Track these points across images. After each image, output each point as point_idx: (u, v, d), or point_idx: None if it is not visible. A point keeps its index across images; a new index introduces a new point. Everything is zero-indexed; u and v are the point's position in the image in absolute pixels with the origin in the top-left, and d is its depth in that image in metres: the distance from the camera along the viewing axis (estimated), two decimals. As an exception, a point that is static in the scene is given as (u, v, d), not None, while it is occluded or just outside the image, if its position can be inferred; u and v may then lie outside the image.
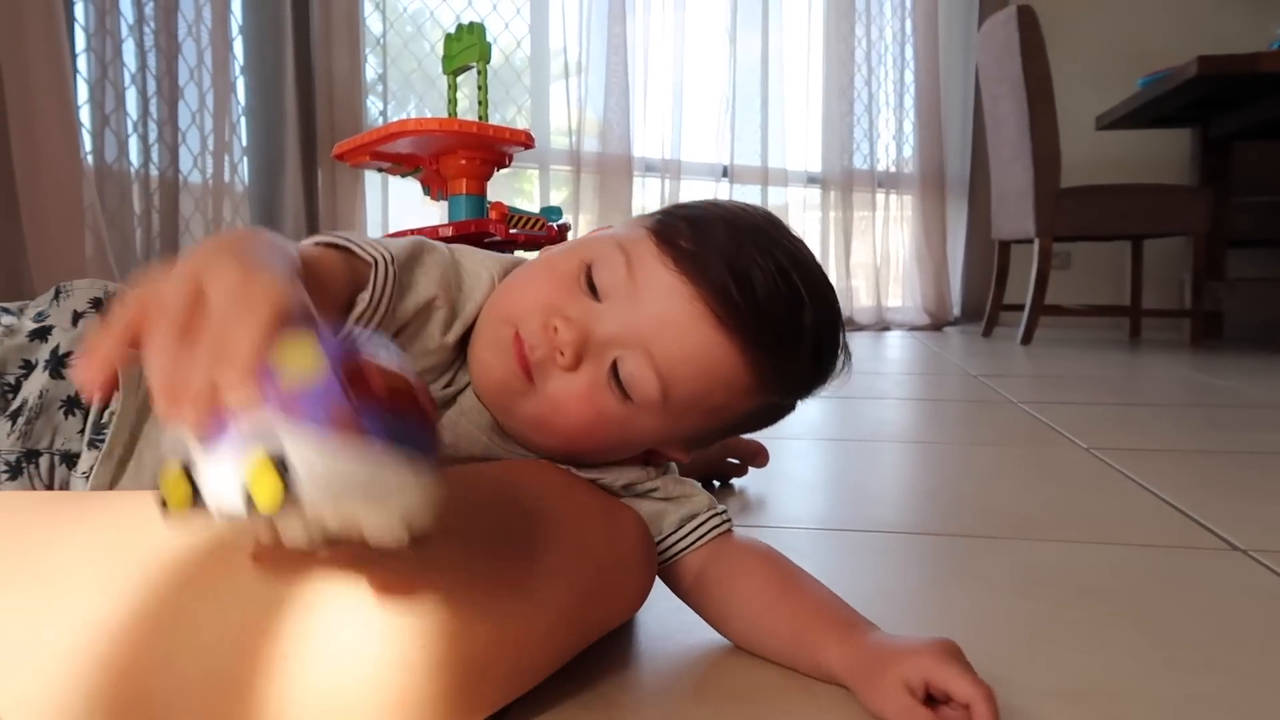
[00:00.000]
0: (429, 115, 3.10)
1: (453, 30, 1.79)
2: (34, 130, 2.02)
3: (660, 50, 3.42)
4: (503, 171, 1.83)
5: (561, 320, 0.49)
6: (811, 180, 3.76)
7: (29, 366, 0.60)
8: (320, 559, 0.38)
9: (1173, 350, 2.77)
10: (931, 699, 0.44)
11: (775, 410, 0.57)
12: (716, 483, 0.98)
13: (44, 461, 0.57)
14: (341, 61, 2.85)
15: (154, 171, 2.43)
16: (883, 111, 3.80)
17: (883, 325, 3.77)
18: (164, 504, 0.30)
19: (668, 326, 0.49)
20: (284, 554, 0.38)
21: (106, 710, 0.34)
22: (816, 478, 1.05)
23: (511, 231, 1.63)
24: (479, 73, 1.71)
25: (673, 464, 0.60)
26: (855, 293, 3.78)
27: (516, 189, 3.39)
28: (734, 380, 0.50)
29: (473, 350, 0.54)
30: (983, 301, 3.43)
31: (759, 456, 0.99)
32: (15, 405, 0.57)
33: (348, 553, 0.38)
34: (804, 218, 3.78)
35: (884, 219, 3.83)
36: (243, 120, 2.67)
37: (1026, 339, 2.94)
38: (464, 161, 1.64)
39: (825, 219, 3.74)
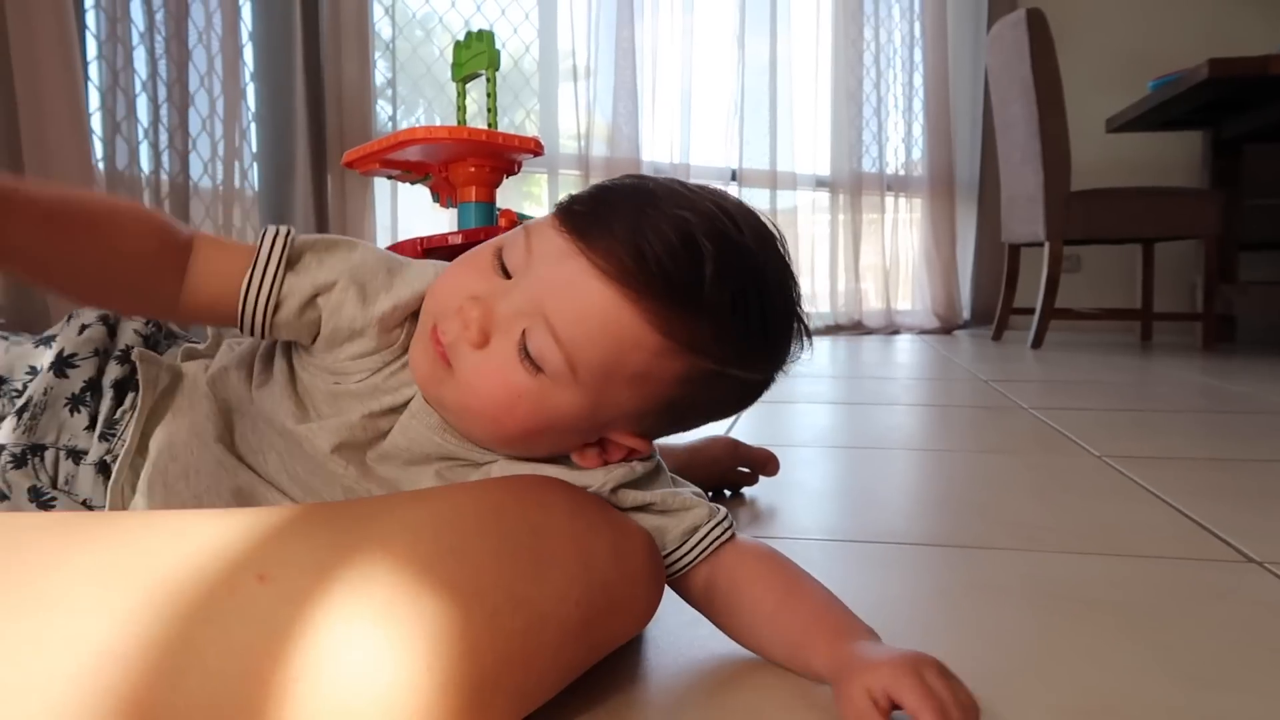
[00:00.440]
0: (438, 120, 3.11)
1: (461, 37, 1.79)
2: (46, 137, 2.03)
3: (669, 54, 3.42)
4: (511, 177, 1.83)
5: (469, 300, 0.50)
6: (820, 183, 3.75)
7: (34, 372, 0.61)
8: (328, 579, 0.38)
9: (1184, 354, 2.76)
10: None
11: (725, 383, 0.53)
12: (728, 491, 0.98)
13: (49, 455, 0.58)
14: (351, 67, 2.86)
15: (165, 177, 2.45)
16: (891, 115, 3.79)
17: (892, 329, 3.76)
18: None
19: (558, 288, 0.49)
20: (290, 575, 0.38)
21: None
22: (826, 486, 1.05)
23: (520, 238, 1.63)
24: (488, 80, 1.71)
25: (666, 474, 0.59)
26: (864, 296, 3.78)
27: (525, 193, 3.39)
28: (640, 339, 0.48)
29: (411, 347, 0.56)
30: (992, 305, 3.42)
31: (769, 464, 0.99)
32: (21, 402, 0.58)
33: (354, 573, 0.39)
34: (813, 221, 3.78)
35: (893, 222, 3.82)
36: (253, 126, 2.68)
37: (1037, 343, 2.93)
38: (473, 169, 1.64)
39: (834, 222, 3.74)
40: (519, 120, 3.25)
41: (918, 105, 3.81)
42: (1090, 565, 0.73)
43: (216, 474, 0.57)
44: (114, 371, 0.61)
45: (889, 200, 3.80)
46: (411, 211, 3.01)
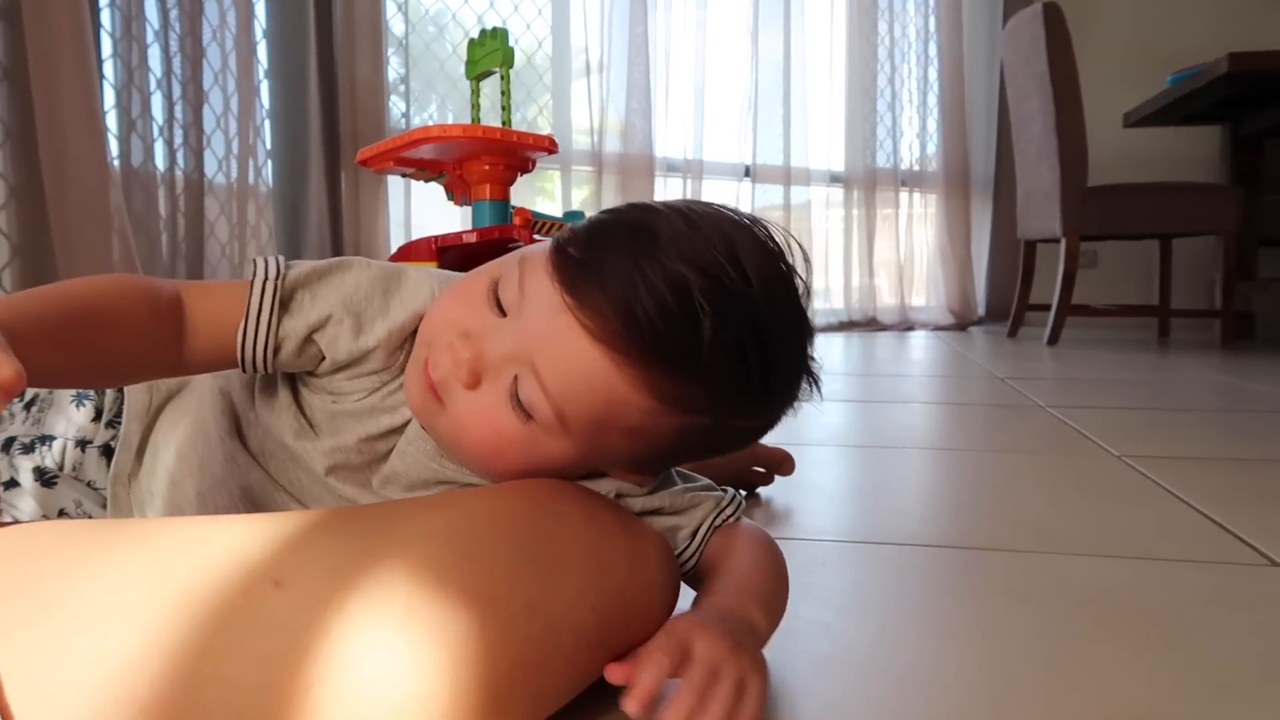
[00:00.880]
0: (451, 117, 3.11)
1: (475, 33, 1.79)
2: (62, 135, 2.04)
3: (682, 49, 3.41)
4: (525, 174, 1.83)
5: (459, 338, 0.48)
6: (834, 179, 3.74)
7: None
8: (345, 586, 0.38)
9: (1203, 351, 2.73)
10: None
11: (724, 431, 0.52)
12: (743, 491, 0.97)
13: (57, 445, 0.58)
14: (364, 64, 2.86)
15: (179, 174, 2.45)
16: (906, 109, 3.77)
17: (906, 325, 3.75)
18: None
19: (547, 342, 0.46)
20: (306, 582, 0.38)
21: None
22: (842, 487, 1.04)
23: (536, 237, 1.62)
24: (502, 78, 1.71)
25: (671, 474, 0.59)
26: (879, 292, 3.76)
27: (538, 188, 3.39)
28: (630, 399, 0.46)
29: (405, 375, 0.54)
30: (1008, 301, 3.40)
31: (785, 464, 0.98)
32: (29, 397, 0.59)
33: (370, 580, 0.38)
34: (827, 216, 3.77)
35: (907, 218, 3.81)
36: (267, 123, 2.69)
37: (1053, 340, 2.91)
38: (487, 167, 1.64)
39: (848, 218, 3.72)
40: (532, 116, 3.25)
41: (932, 100, 3.78)
42: (1111, 569, 0.73)
43: (227, 470, 0.57)
44: None
45: (903, 196, 3.78)
46: (426, 209, 3.01)
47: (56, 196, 2.02)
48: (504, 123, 1.69)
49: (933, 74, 3.77)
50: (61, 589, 0.36)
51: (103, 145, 2.13)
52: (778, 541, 0.61)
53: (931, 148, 3.81)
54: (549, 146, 1.62)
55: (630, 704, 0.43)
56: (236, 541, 0.39)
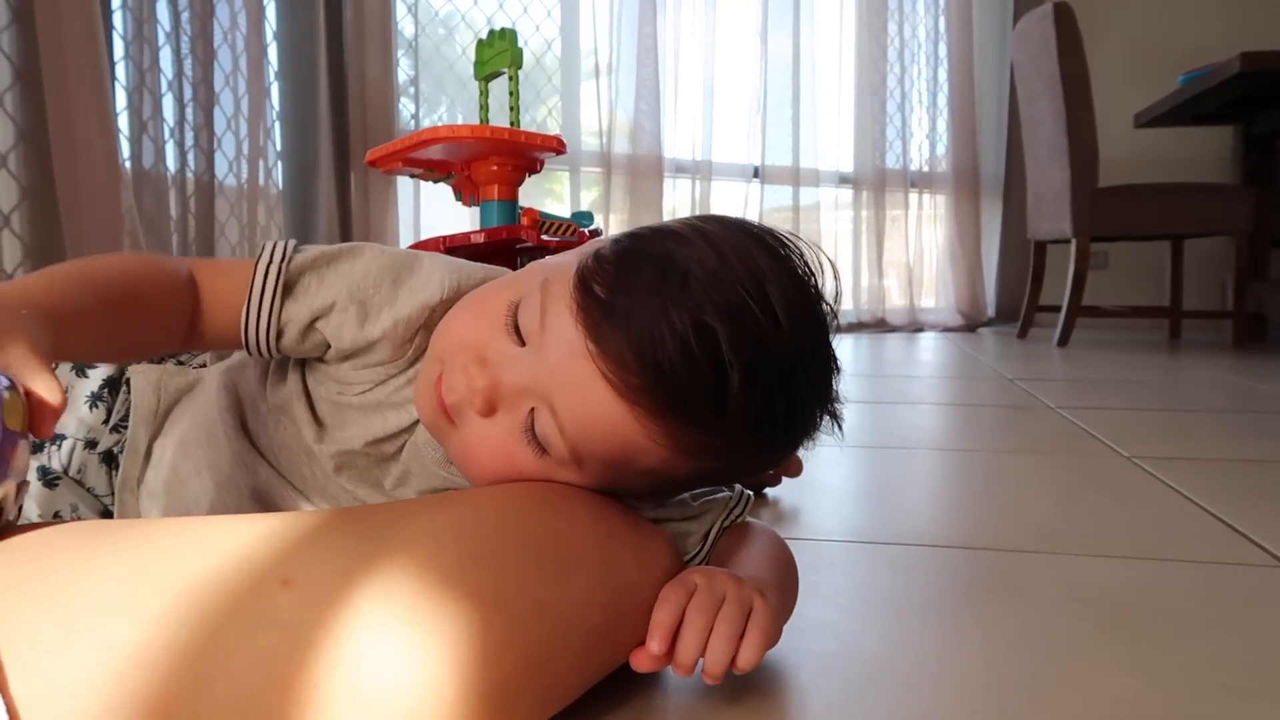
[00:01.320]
0: (460, 118, 3.12)
1: (484, 34, 1.79)
2: (73, 136, 2.05)
3: (691, 50, 3.41)
4: (533, 175, 1.83)
5: (476, 365, 0.47)
6: (844, 180, 3.73)
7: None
8: (351, 585, 0.38)
9: (1214, 353, 2.72)
10: None
11: (742, 468, 0.52)
12: (750, 492, 0.97)
13: (67, 445, 0.59)
14: (374, 65, 2.87)
15: (190, 176, 2.47)
16: (915, 110, 3.76)
17: (916, 326, 3.74)
18: None
19: (566, 386, 0.45)
20: (313, 581, 0.38)
21: None
22: (850, 487, 1.04)
23: (544, 237, 1.63)
24: (510, 78, 1.71)
25: None
26: (888, 293, 3.75)
27: (547, 190, 3.39)
28: (648, 448, 0.46)
29: (416, 379, 0.53)
30: (1018, 302, 3.38)
31: (792, 465, 0.98)
32: None
33: (377, 579, 0.38)
34: (836, 217, 3.76)
35: (917, 219, 3.80)
36: (277, 125, 2.70)
37: (1063, 341, 2.89)
38: (495, 167, 1.64)
39: (857, 219, 3.71)
40: (541, 117, 3.25)
41: (942, 101, 3.77)
42: (1120, 569, 0.72)
43: (234, 469, 0.57)
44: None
45: (913, 197, 3.78)
46: (434, 210, 3.02)
47: (69, 198, 2.03)
48: (512, 123, 1.70)
49: (942, 75, 3.76)
50: (69, 585, 0.36)
51: (114, 147, 2.15)
52: (786, 541, 0.61)
53: (941, 148, 3.81)
54: (557, 147, 1.62)
55: (652, 644, 0.44)
56: (244, 540, 0.40)
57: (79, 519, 0.57)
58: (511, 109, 1.73)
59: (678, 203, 3.43)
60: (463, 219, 2.76)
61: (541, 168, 1.74)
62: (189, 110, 2.45)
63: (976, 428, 1.46)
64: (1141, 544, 0.79)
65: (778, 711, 0.48)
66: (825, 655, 0.56)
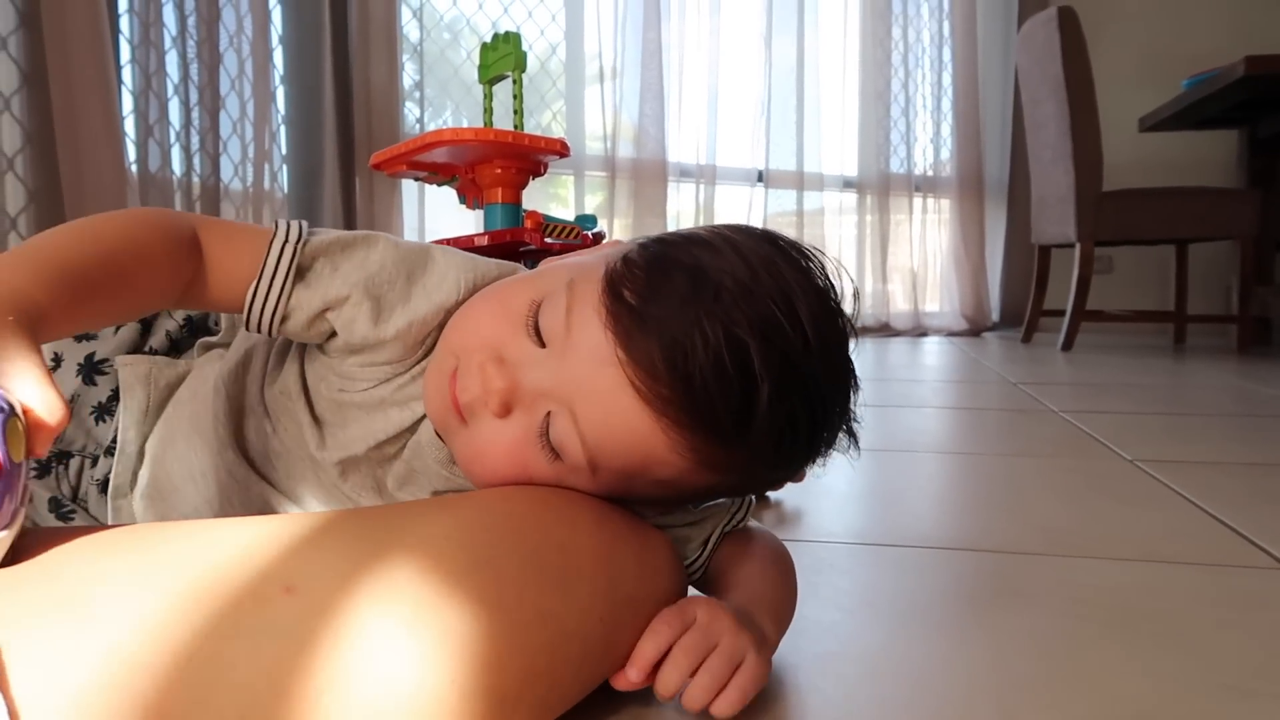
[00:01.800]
0: (465, 122, 3.12)
1: (489, 39, 1.80)
2: (79, 140, 2.06)
3: (695, 55, 3.41)
4: (537, 178, 1.83)
5: (494, 364, 0.46)
6: (848, 184, 3.73)
7: (57, 360, 0.60)
8: (354, 592, 0.38)
9: (1219, 357, 2.71)
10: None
11: (756, 484, 0.52)
12: (753, 496, 0.97)
13: (74, 463, 0.58)
14: (379, 69, 2.88)
15: (196, 179, 2.48)
16: (920, 115, 3.76)
17: (920, 330, 3.73)
18: None
19: (592, 392, 0.44)
20: (316, 587, 0.38)
21: None
22: (853, 490, 1.04)
23: (547, 240, 1.63)
24: (514, 82, 1.71)
25: None
26: (892, 297, 3.75)
27: (551, 194, 3.40)
28: (669, 460, 0.45)
29: (425, 373, 0.52)
30: (1022, 307, 3.38)
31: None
32: None
33: (380, 586, 0.38)
34: (840, 222, 3.76)
35: (921, 223, 3.79)
36: (282, 129, 2.71)
37: (1067, 345, 2.89)
38: (499, 170, 1.64)
39: (862, 223, 3.71)
40: (545, 122, 3.26)
41: (946, 105, 3.77)
42: (1122, 571, 0.72)
43: (227, 484, 0.55)
44: None
45: (917, 201, 3.77)
46: (439, 213, 3.03)
47: (75, 201, 2.04)
48: (516, 126, 1.70)
49: (947, 79, 3.76)
50: (72, 589, 0.36)
51: (120, 150, 2.16)
52: (787, 543, 0.61)
53: (945, 153, 3.80)
54: (560, 150, 1.62)
55: (630, 671, 0.44)
56: (247, 545, 0.39)
57: None
58: (515, 112, 1.73)
59: (682, 207, 3.43)
60: (467, 222, 2.76)
61: (545, 171, 1.74)
62: (195, 114, 2.46)
63: (980, 431, 1.46)
64: (1145, 547, 0.79)
65: (778, 712, 0.48)
66: (827, 656, 0.56)
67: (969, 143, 3.72)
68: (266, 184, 2.61)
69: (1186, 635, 0.59)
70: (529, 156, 1.65)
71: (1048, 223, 3.02)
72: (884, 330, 3.70)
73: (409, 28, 3.02)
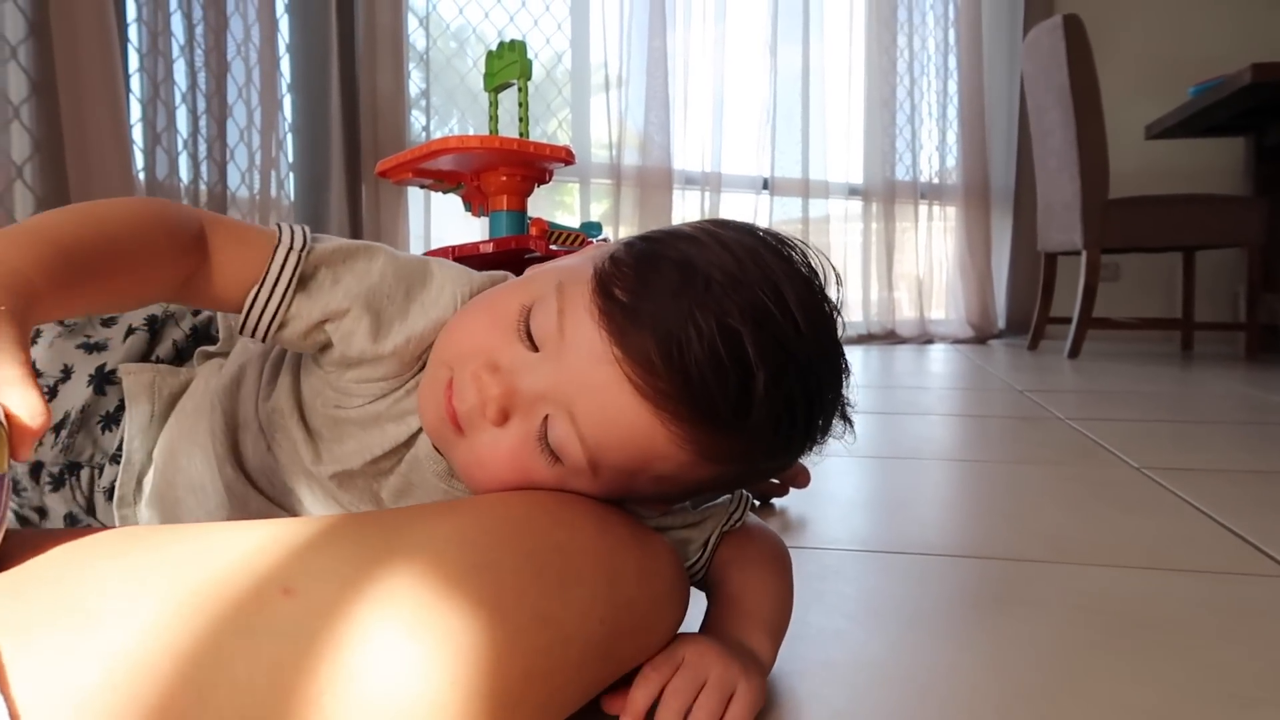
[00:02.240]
0: (471, 130, 3.13)
1: (494, 47, 1.80)
2: (88, 148, 2.08)
3: (700, 63, 3.42)
4: (543, 186, 1.84)
5: (489, 372, 0.46)
6: (853, 192, 3.73)
7: (67, 372, 0.60)
8: (353, 595, 0.38)
9: (1226, 364, 2.70)
10: None
11: (756, 474, 0.52)
12: (757, 502, 0.97)
13: (84, 474, 0.58)
14: (385, 78, 2.89)
15: (203, 187, 2.49)
16: (925, 122, 3.76)
17: (926, 338, 3.73)
18: None
19: (590, 392, 0.45)
20: (315, 589, 0.38)
21: None
22: (858, 497, 1.04)
23: (552, 247, 1.63)
24: (520, 89, 1.72)
25: None
26: (898, 305, 3.74)
27: (557, 202, 3.40)
28: (670, 454, 0.46)
29: (419, 387, 0.52)
30: (1028, 314, 3.37)
31: (800, 476, 0.98)
32: (59, 418, 0.58)
33: (380, 588, 0.38)
34: (845, 230, 3.76)
35: (927, 230, 3.79)
36: (289, 137, 2.72)
37: (1074, 353, 2.88)
38: (505, 178, 1.65)
39: (867, 231, 3.71)
40: (551, 129, 3.27)
41: (952, 112, 3.77)
42: (1128, 579, 0.72)
43: (226, 498, 0.55)
44: None
45: (923, 208, 3.77)
46: (445, 220, 3.04)
47: (83, 208, 2.05)
48: (522, 134, 1.70)
49: (952, 87, 3.76)
50: (72, 591, 0.36)
51: (128, 158, 2.17)
52: (791, 550, 0.61)
53: (951, 160, 3.80)
54: (565, 157, 1.63)
55: (624, 718, 0.45)
56: (246, 548, 0.39)
57: None
58: (521, 120, 1.74)
59: (687, 214, 3.43)
60: (473, 229, 2.77)
61: (550, 178, 1.75)
62: (203, 122, 2.47)
63: (986, 439, 1.45)
64: (1150, 554, 0.79)
65: (781, 718, 0.48)
66: (831, 663, 0.56)
67: (975, 150, 3.72)
68: (273, 191, 2.62)
69: (1191, 643, 0.59)
70: (534, 164, 1.66)
71: (1054, 230, 3.02)
72: (890, 337, 3.70)
73: (415, 36, 3.03)
